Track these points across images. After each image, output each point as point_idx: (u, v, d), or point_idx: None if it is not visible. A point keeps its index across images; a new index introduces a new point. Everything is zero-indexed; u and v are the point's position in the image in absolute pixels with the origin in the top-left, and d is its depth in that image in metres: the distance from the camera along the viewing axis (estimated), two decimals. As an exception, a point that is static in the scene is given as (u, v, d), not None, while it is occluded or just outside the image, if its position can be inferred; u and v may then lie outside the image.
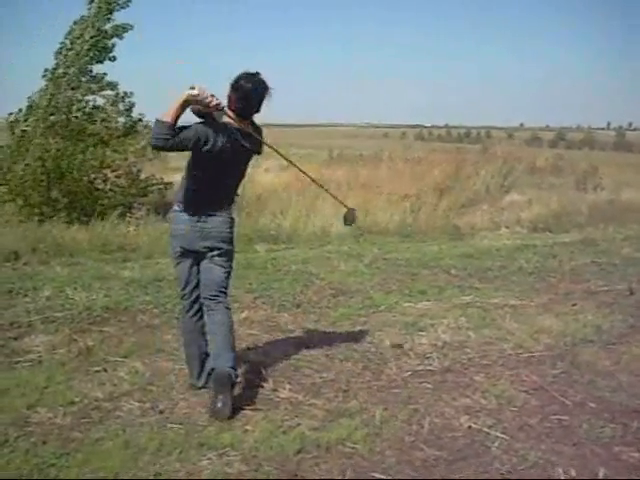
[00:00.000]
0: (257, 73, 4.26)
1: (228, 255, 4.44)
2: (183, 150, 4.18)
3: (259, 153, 4.49)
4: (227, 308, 4.48)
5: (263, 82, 4.25)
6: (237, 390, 4.48)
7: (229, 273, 4.50)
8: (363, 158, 22.80)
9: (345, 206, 5.06)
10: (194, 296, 4.54)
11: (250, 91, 4.20)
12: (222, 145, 4.16)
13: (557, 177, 21.27)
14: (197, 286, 4.52)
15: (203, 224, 4.28)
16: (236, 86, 4.21)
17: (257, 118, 4.39)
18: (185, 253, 4.43)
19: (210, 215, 4.29)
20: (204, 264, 4.42)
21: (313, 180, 5.22)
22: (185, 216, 4.35)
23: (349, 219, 5.04)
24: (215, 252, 4.36)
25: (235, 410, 4.23)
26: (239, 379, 4.55)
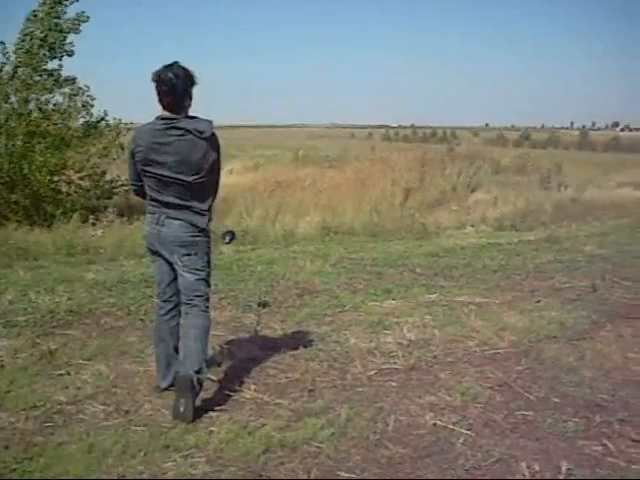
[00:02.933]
0: (175, 62, 4.10)
1: (195, 260, 4.29)
2: (144, 173, 4.21)
3: (205, 140, 4.12)
4: (202, 312, 4.38)
5: (183, 69, 4.09)
6: (202, 392, 4.46)
7: (203, 279, 4.36)
8: (329, 159, 22.81)
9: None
10: (166, 296, 4.50)
11: (172, 81, 4.03)
12: (148, 148, 4.12)
13: (522, 176, 21.45)
14: (169, 286, 4.46)
15: (161, 228, 4.22)
16: (157, 80, 4.06)
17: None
18: (154, 253, 4.40)
19: (169, 219, 4.20)
20: (176, 269, 4.36)
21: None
22: (149, 218, 4.33)
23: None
24: (177, 257, 4.27)
25: (199, 411, 4.21)
26: (205, 382, 4.54)
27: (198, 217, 4.24)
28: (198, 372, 4.20)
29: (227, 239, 4.84)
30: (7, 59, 12.32)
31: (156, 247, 4.33)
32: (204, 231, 4.30)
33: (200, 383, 4.23)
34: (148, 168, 4.16)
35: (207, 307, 4.44)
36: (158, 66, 4.09)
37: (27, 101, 12.19)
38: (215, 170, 4.29)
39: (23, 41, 12.23)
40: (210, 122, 4.18)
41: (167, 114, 4.12)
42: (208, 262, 4.41)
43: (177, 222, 4.20)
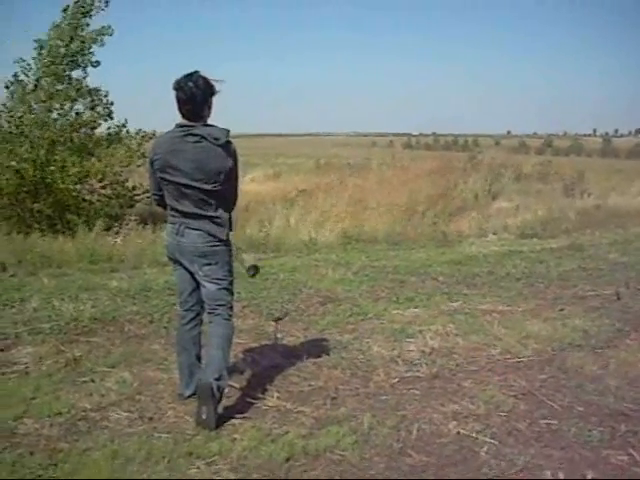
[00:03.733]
0: (196, 71, 4.14)
1: (216, 270, 4.30)
2: (162, 182, 4.26)
3: (221, 147, 4.12)
4: (225, 320, 4.40)
5: (203, 79, 4.13)
6: (225, 399, 4.48)
7: (225, 288, 4.36)
8: (351, 166, 22.76)
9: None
10: (188, 305, 4.51)
11: (192, 90, 4.07)
12: (166, 154, 4.17)
13: (544, 183, 21.34)
14: (191, 295, 4.48)
15: (180, 238, 4.25)
16: (177, 89, 4.11)
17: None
18: (176, 262, 4.42)
19: (188, 229, 4.22)
20: (197, 279, 4.37)
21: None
22: (169, 228, 4.36)
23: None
24: (197, 267, 4.29)
25: (223, 419, 4.23)
26: (227, 390, 4.56)
27: (217, 227, 4.24)
28: (218, 379, 4.19)
29: (251, 273, 4.93)
30: (29, 70, 12.39)
31: (177, 257, 4.36)
32: (224, 241, 4.29)
33: (220, 390, 4.22)
34: (166, 176, 4.19)
35: (230, 315, 4.44)
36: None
37: (50, 110, 12.29)
38: (232, 179, 4.27)
39: (45, 50, 12.30)
40: (226, 130, 4.18)
41: (185, 122, 4.16)
42: (229, 271, 4.40)
43: (196, 232, 4.21)
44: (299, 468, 3.72)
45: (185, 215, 4.22)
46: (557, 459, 3.85)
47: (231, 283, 4.43)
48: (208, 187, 4.13)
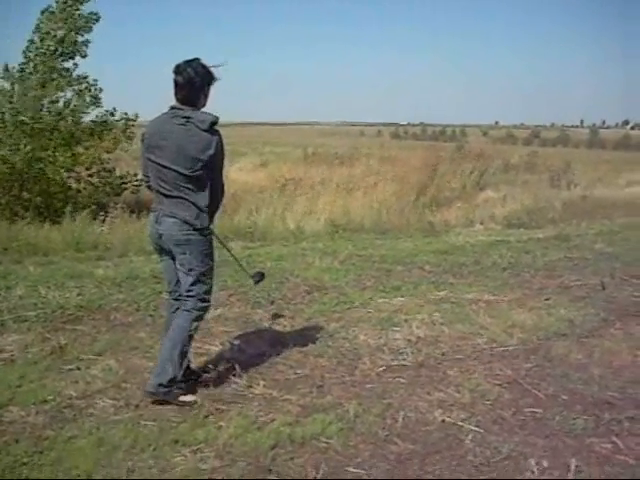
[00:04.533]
0: (197, 59, 4.17)
1: (190, 260, 4.26)
2: (148, 162, 4.29)
3: (205, 131, 4.10)
4: (186, 311, 4.36)
5: (203, 67, 4.15)
6: (211, 386, 4.50)
7: (197, 279, 4.32)
8: (339, 156, 22.77)
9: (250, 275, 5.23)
10: (176, 294, 4.50)
11: (190, 76, 4.09)
12: (153, 134, 4.24)
13: (531, 174, 21.42)
14: (177, 284, 4.45)
15: (158, 226, 4.25)
16: (177, 73, 4.12)
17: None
18: (161, 251, 4.42)
19: (165, 216, 4.21)
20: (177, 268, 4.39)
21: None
22: (151, 217, 4.37)
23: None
24: (175, 256, 4.29)
25: (205, 406, 4.27)
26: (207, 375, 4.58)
27: (192, 215, 4.19)
28: (159, 376, 4.25)
29: (256, 279, 5.11)
30: (28, 58, 12.31)
31: (160, 245, 4.36)
32: (200, 230, 4.24)
33: (165, 384, 4.24)
34: (151, 156, 4.21)
35: (195, 308, 4.38)
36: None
37: (40, 99, 12.23)
38: (215, 167, 4.23)
39: (40, 40, 12.23)
40: (214, 116, 4.17)
41: (178, 105, 4.18)
42: (204, 261, 4.33)
43: (171, 220, 4.19)
44: (285, 455, 3.73)
45: (164, 199, 4.23)
46: (541, 447, 3.88)
47: (205, 274, 4.37)
48: (186, 172, 4.11)
